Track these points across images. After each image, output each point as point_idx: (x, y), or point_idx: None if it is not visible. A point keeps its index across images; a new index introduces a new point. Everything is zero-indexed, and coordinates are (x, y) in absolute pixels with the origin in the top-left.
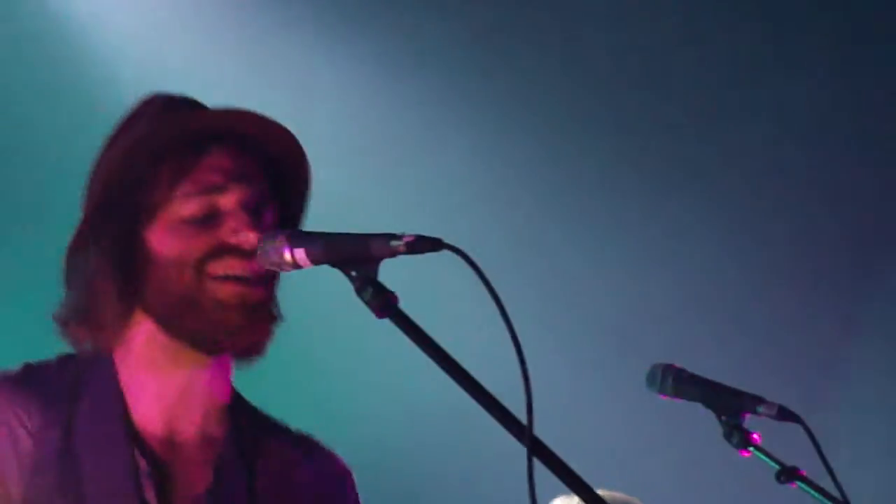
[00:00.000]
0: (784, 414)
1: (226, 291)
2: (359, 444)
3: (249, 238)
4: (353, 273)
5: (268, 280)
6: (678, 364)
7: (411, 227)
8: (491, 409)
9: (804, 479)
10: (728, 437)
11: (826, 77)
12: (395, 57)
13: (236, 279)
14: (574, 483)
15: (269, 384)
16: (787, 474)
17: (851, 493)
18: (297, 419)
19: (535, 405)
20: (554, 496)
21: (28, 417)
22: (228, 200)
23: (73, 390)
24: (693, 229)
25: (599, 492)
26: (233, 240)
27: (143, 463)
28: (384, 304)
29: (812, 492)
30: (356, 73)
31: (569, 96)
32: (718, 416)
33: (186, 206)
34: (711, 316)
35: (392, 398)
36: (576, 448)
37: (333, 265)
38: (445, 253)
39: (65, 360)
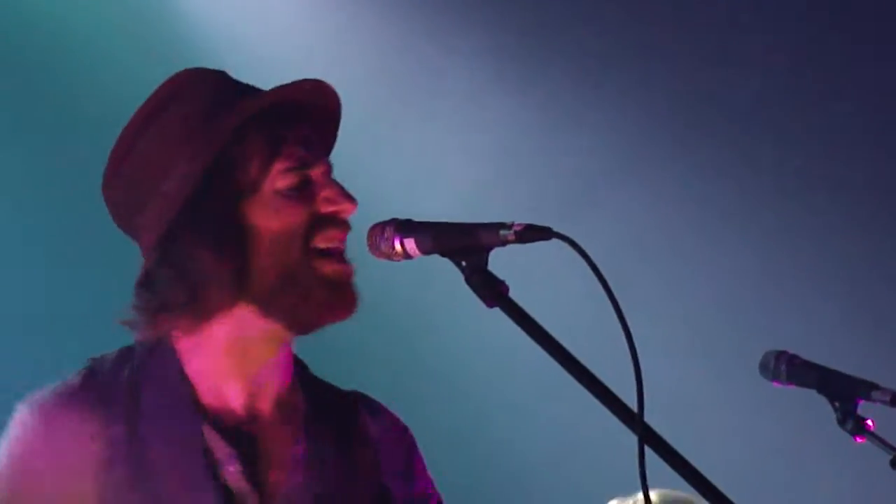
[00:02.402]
0: None
1: (329, 269)
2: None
3: (348, 207)
4: (463, 263)
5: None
6: (791, 351)
7: (525, 217)
8: (601, 397)
9: None
10: (842, 423)
11: None
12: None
13: (335, 255)
14: (685, 471)
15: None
16: None
17: None
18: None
19: (646, 394)
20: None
21: (96, 420)
22: (317, 171)
23: (132, 384)
24: (812, 215)
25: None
26: (329, 209)
27: (221, 445)
28: (494, 293)
29: None
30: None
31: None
32: (832, 403)
33: (283, 180)
34: (826, 302)
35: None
36: (688, 438)
37: (443, 255)
38: (555, 241)
39: (124, 353)
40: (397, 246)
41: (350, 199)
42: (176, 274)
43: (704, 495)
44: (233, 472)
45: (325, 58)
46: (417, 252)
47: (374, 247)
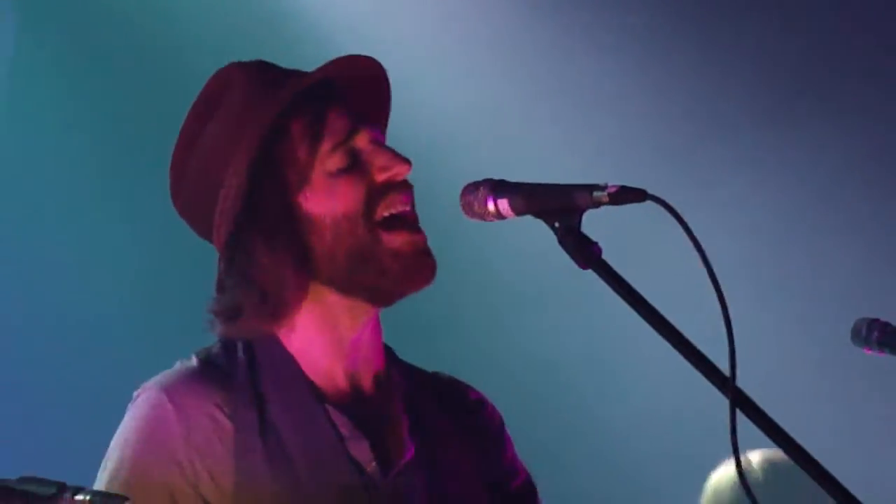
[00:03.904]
0: None
1: (399, 240)
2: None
3: (402, 169)
4: (556, 224)
5: (419, 223)
6: (883, 319)
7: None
8: (694, 360)
9: None
10: None
11: None
12: None
13: (403, 224)
14: (777, 435)
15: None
16: None
17: None
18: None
19: (739, 359)
20: None
21: (223, 403)
22: (362, 142)
23: (251, 370)
24: None
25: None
26: (384, 177)
27: (344, 421)
28: (588, 255)
29: None
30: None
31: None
32: None
33: (332, 161)
34: None
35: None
36: (779, 403)
37: (536, 216)
38: (648, 204)
39: (225, 345)
40: (490, 206)
41: (403, 160)
42: (242, 280)
43: (796, 460)
44: (361, 448)
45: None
46: (510, 212)
47: (466, 207)
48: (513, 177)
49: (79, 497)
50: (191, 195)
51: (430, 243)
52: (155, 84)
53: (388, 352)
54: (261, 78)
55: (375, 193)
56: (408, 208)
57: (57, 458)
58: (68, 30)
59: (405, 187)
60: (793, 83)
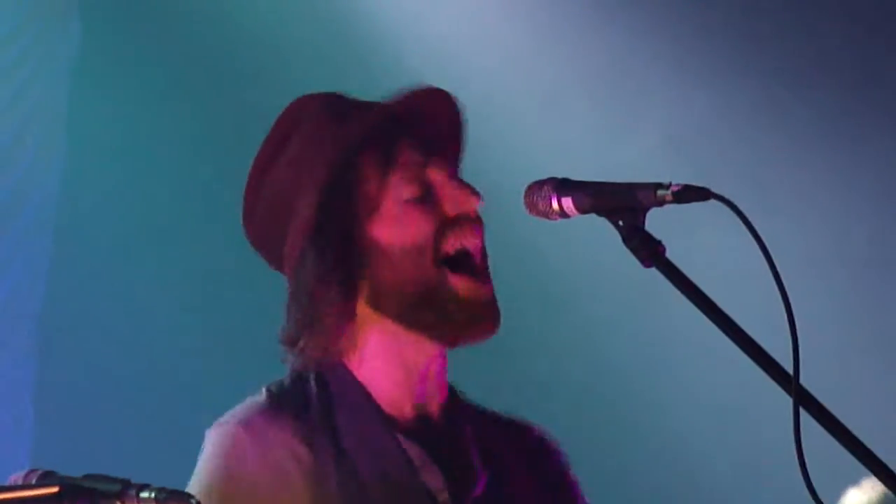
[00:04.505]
0: None
1: (464, 285)
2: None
3: (472, 204)
4: (620, 222)
5: (488, 271)
6: None
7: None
8: (757, 358)
9: None
10: None
11: None
12: None
13: (471, 270)
14: (841, 434)
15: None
16: None
17: None
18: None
19: (802, 358)
20: None
21: (298, 434)
22: (435, 175)
23: (323, 399)
24: None
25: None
26: (456, 211)
27: (417, 451)
28: (652, 253)
29: None
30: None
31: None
32: None
33: (405, 190)
34: None
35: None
36: (845, 402)
37: (600, 214)
38: (711, 203)
39: (296, 376)
40: (555, 204)
41: (474, 193)
42: (297, 304)
43: (860, 459)
44: (434, 477)
45: (520, 57)
46: (574, 211)
47: (531, 205)
48: (584, 177)
49: (144, 494)
50: (263, 224)
51: (489, 244)
52: (217, 86)
53: (450, 387)
54: (334, 110)
55: (445, 226)
56: (478, 242)
57: (123, 459)
58: (132, 31)
59: (476, 222)
60: (873, 93)
